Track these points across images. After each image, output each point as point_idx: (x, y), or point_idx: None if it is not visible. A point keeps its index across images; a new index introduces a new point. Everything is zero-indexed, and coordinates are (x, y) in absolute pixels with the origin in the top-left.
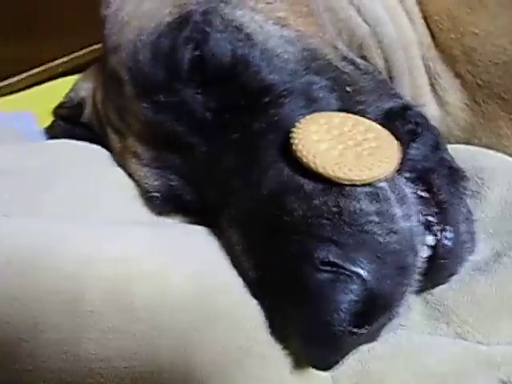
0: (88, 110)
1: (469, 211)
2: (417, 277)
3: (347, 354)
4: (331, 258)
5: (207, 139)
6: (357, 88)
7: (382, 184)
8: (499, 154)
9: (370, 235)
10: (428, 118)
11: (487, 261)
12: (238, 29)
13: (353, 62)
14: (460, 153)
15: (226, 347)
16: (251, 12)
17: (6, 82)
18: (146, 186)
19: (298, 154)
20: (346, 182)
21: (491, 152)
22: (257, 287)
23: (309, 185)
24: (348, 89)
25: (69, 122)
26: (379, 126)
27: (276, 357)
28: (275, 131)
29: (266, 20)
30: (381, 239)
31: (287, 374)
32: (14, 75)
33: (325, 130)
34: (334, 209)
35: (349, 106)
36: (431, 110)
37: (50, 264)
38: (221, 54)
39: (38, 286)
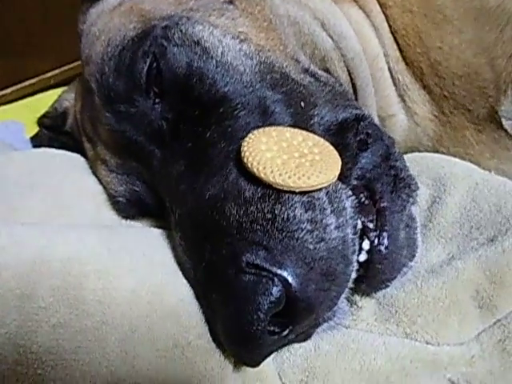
0: (70, 120)
1: (411, 218)
2: (349, 283)
3: (272, 351)
4: (258, 261)
5: (163, 147)
6: (312, 101)
7: (320, 194)
8: (463, 162)
9: (299, 242)
10: (380, 128)
11: (441, 264)
12: (196, 43)
13: (313, 75)
14: (427, 160)
15: (174, 343)
16: (211, 27)
17: None
18: (111, 191)
19: (244, 160)
20: (285, 188)
21: (456, 160)
22: (195, 286)
23: (249, 192)
24: (302, 104)
25: (53, 131)
26: (326, 142)
27: (219, 352)
28: (227, 141)
29: (226, 34)
30: (310, 246)
31: (230, 368)
32: (7, 87)
33: (274, 142)
34: (269, 215)
35: (301, 121)
36: (400, 120)
37: (4, 263)
38: (177, 66)
39: None
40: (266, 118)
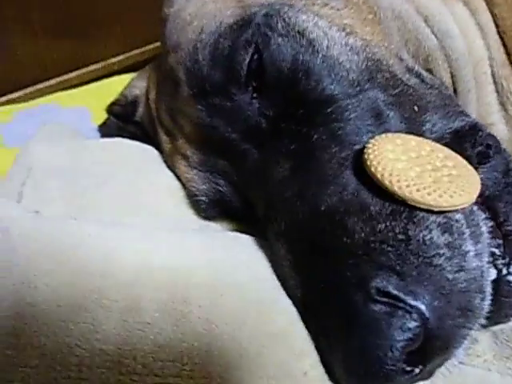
0: (141, 109)
1: None
2: (482, 320)
3: None
4: (390, 289)
5: (261, 147)
6: (423, 104)
7: (458, 216)
8: None
9: (437, 269)
10: (499, 140)
11: None
12: (301, 34)
13: (418, 75)
14: None
15: (286, 371)
16: (315, 17)
17: (63, 78)
18: (192, 189)
19: (372, 169)
20: (421, 206)
21: None
22: (302, 306)
23: (376, 206)
24: (415, 108)
25: (122, 120)
26: (459, 156)
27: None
28: (339, 144)
29: (331, 26)
30: (449, 275)
31: None
32: (71, 71)
33: (401, 151)
34: (401, 236)
35: (415, 126)
36: (500, 130)
37: (106, 271)
38: (281, 59)
39: (94, 292)
40: (379, 123)
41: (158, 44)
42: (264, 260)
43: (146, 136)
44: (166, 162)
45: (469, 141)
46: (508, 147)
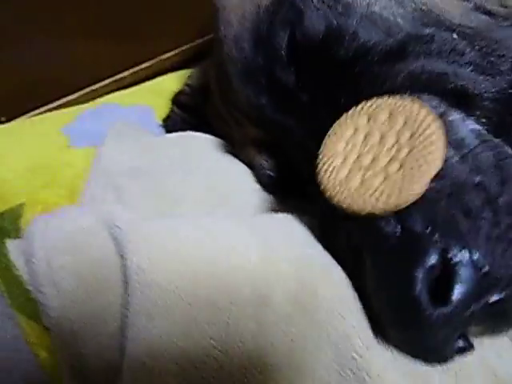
0: (204, 100)
1: None
2: None
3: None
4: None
5: (302, 121)
6: (491, 42)
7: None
8: None
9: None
10: None
11: None
12: (336, 1)
13: (486, 12)
14: None
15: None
16: None
17: (114, 78)
18: (260, 165)
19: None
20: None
21: None
22: None
23: None
24: (483, 43)
25: (187, 111)
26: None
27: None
28: None
29: None
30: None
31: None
32: (123, 70)
33: (350, 149)
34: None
35: (488, 61)
36: None
37: (234, 263)
38: (313, 32)
39: (227, 287)
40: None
41: (207, 37)
42: None
43: (208, 127)
44: (233, 151)
45: None
46: None
